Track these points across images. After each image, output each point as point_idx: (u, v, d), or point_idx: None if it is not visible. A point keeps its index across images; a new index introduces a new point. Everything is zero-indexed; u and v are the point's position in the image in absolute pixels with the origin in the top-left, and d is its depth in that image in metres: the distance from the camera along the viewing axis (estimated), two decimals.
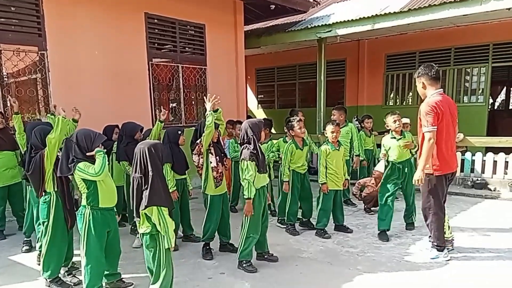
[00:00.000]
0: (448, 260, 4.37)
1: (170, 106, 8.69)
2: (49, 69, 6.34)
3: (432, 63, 4.31)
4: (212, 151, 4.51)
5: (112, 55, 7.19)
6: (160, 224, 3.18)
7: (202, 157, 4.53)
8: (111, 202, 3.62)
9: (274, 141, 6.05)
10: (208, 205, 4.60)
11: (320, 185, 5.24)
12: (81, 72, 6.76)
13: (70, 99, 6.53)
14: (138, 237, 4.95)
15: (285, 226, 5.63)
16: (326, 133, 5.32)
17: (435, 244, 4.42)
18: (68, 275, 4.10)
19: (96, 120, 6.11)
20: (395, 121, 5.17)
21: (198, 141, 4.54)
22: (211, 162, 4.50)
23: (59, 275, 4.00)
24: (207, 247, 4.71)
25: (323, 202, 5.28)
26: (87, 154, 3.44)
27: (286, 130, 5.63)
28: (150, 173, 3.16)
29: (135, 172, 3.22)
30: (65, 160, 3.49)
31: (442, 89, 4.26)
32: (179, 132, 5.10)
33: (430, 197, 4.32)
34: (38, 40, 6.26)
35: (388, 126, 5.30)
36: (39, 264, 4.27)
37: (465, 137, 7.75)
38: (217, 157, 4.51)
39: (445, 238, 4.56)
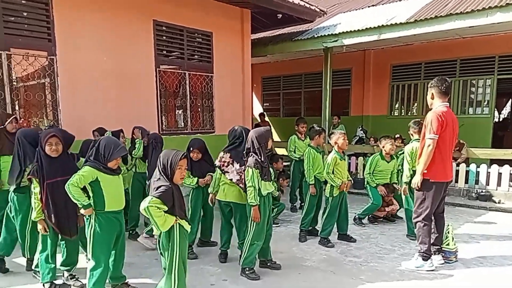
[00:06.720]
0: (432, 270, 4.37)
1: (176, 113, 8.75)
2: (58, 74, 6.41)
3: (445, 77, 4.37)
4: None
5: (121, 61, 7.26)
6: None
7: None
8: (118, 205, 3.62)
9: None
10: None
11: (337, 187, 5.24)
12: (90, 77, 6.82)
13: (78, 104, 6.62)
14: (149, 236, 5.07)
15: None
16: (335, 142, 5.24)
17: (422, 252, 4.43)
18: (71, 278, 4.12)
19: (104, 125, 6.17)
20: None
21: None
22: None
23: (63, 279, 4.03)
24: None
25: (330, 210, 5.27)
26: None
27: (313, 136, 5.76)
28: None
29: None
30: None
31: (448, 103, 4.36)
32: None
33: (424, 204, 4.35)
34: (47, 45, 6.34)
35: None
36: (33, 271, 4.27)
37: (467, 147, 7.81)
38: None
39: (448, 250, 4.57)
